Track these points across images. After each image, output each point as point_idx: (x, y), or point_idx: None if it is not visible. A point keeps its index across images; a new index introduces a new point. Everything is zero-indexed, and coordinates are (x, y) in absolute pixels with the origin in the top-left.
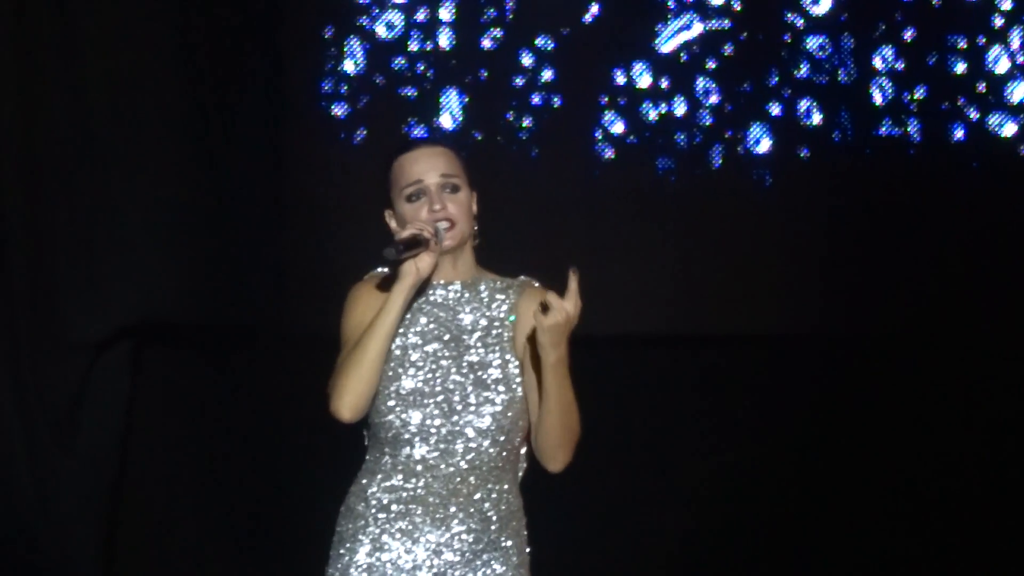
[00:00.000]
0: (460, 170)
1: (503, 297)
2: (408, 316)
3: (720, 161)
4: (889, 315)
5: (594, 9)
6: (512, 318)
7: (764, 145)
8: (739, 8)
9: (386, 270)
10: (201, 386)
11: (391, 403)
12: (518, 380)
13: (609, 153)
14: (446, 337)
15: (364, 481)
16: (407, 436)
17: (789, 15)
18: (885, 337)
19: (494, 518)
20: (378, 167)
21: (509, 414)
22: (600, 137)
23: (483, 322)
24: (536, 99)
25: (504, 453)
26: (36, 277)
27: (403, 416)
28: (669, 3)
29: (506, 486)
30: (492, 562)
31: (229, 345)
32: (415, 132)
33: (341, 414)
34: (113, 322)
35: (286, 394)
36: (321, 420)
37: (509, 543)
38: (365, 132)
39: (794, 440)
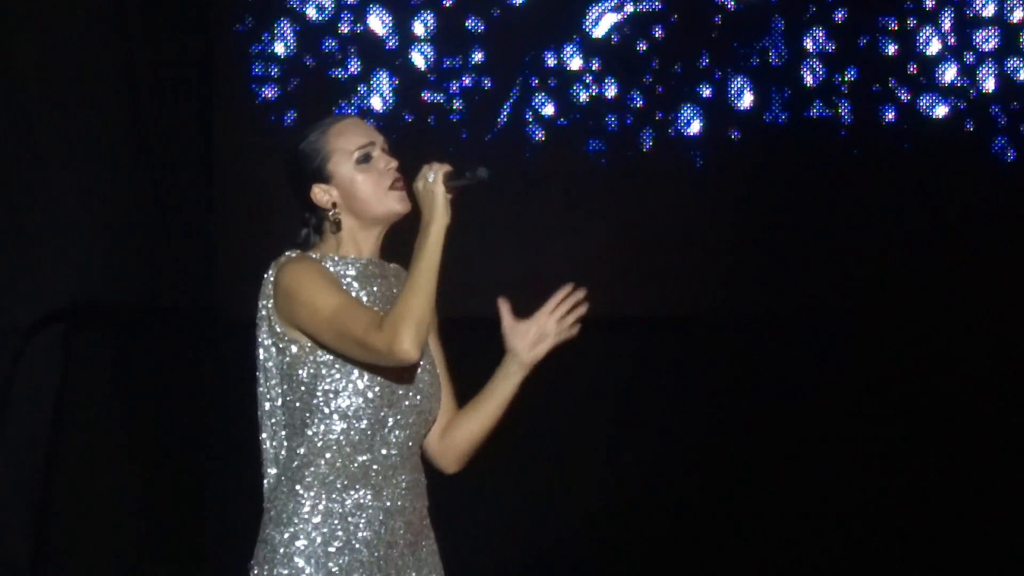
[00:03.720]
0: None
1: (396, 274)
2: (357, 284)
3: (651, 143)
4: (820, 295)
5: None
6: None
7: (695, 127)
8: None
9: (313, 256)
10: (133, 369)
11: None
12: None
13: (539, 135)
14: (388, 307)
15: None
16: (374, 402)
17: None
18: (816, 317)
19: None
20: (289, 152)
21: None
22: (530, 119)
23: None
24: (466, 81)
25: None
26: None
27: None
28: None
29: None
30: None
31: (161, 328)
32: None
33: (410, 354)
34: (43, 305)
35: (219, 377)
36: (252, 402)
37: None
38: (295, 114)
39: (723, 421)
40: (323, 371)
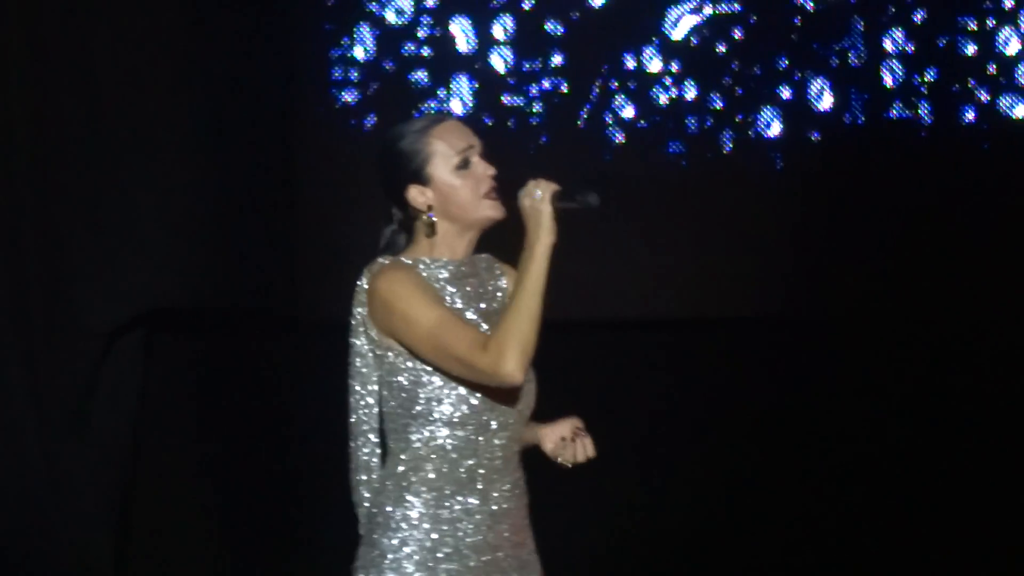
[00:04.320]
0: None
1: (498, 272)
2: (451, 288)
3: (731, 145)
4: (902, 296)
5: None
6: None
7: (775, 128)
8: None
9: (405, 260)
10: (214, 372)
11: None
12: None
13: (619, 138)
14: (482, 306)
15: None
16: (477, 407)
17: None
18: (898, 318)
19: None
20: (387, 149)
21: None
22: (610, 122)
23: (499, 294)
24: (546, 84)
25: None
26: (49, 264)
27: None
28: None
29: None
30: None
31: (242, 331)
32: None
33: (515, 377)
34: (126, 309)
35: (299, 379)
36: (335, 404)
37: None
38: (375, 118)
39: (812, 423)
40: (424, 378)
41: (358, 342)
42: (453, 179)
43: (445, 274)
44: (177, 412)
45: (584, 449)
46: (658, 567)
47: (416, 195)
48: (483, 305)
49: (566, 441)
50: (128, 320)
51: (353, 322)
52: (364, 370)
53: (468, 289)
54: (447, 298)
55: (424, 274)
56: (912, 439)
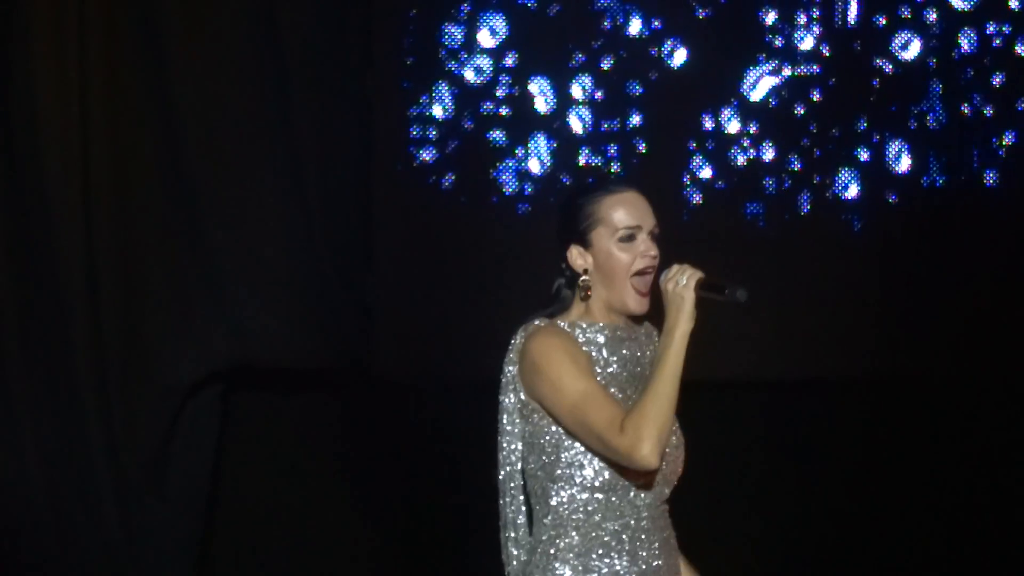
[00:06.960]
0: None
1: (657, 341)
2: (607, 352)
3: (809, 206)
4: (980, 358)
5: (682, 54)
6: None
7: (853, 190)
8: (828, 53)
9: (563, 324)
10: (290, 429)
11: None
12: None
13: (697, 198)
14: (638, 370)
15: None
16: (620, 471)
17: (877, 60)
18: (977, 380)
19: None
20: (566, 201)
21: None
22: (688, 182)
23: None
24: (624, 144)
25: None
26: (128, 320)
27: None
28: (758, 48)
29: None
30: None
31: (319, 389)
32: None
33: (651, 462)
34: (204, 365)
35: (375, 437)
36: (411, 462)
37: None
38: (453, 177)
39: (894, 483)
40: (566, 441)
41: (507, 400)
42: (612, 249)
43: (602, 338)
44: (254, 469)
45: None
46: None
47: (576, 255)
48: (639, 369)
49: None
50: (206, 377)
51: (503, 379)
52: (510, 428)
53: (625, 352)
54: (602, 361)
55: (581, 338)
56: (994, 500)
